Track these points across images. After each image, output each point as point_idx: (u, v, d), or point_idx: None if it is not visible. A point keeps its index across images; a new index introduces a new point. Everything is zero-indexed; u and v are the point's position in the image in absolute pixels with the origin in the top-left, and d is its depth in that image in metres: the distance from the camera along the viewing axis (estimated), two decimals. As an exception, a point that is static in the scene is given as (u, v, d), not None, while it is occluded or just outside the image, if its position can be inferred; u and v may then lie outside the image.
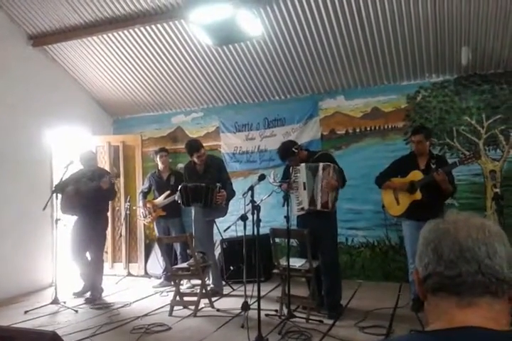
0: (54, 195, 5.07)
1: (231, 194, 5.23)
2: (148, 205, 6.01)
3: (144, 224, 6.56)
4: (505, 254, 0.87)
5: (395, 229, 5.32)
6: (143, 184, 6.44)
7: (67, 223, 5.69)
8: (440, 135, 5.50)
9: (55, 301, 4.88)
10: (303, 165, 4.34)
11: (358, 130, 6.00)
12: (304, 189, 4.30)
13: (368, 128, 5.94)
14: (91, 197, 5.18)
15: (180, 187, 5.13)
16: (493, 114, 5.33)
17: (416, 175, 4.20)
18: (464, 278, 0.85)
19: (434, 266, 0.89)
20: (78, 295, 5.33)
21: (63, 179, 5.20)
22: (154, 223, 6.14)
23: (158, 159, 6.14)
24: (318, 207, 4.24)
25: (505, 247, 0.88)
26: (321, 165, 4.26)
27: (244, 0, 4.77)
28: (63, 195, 5.23)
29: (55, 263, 5.15)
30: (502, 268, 0.86)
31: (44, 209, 4.95)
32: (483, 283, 0.85)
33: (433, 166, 4.10)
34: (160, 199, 5.98)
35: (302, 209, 4.34)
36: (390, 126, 5.83)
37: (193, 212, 5.13)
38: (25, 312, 4.69)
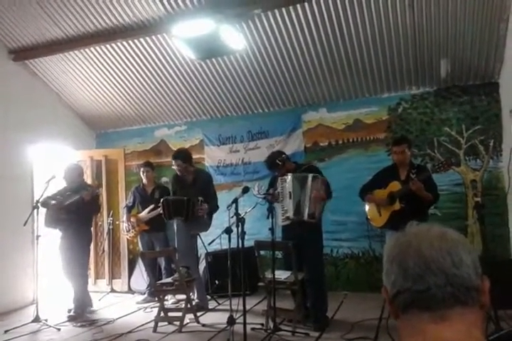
0: (35, 210, 4.99)
1: (214, 208, 5.21)
2: (131, 219, 5.94)
3: (128, 239, 6.48)
4: (470, 261, 0.86)
5: (379, 240, 5.33)
6: (126, 198, 6.39)
7: (50, 238, 5.60)
8: (421, 146, 5.58)
9: (37, 319, 4.75)
10: (290, 175, 4.37)
11: (340, 142, 6.06)
12: (290, 198, 4.31)
13: (351, 140, 6.00)
14: (74, 211, 5.10)
15: (162, 200, 5.11)
16: (472, 124, 5.43)
17: (394, 186, 4.24)
18: (433, 291, 0.83)
19: (401, 283, 0.86)
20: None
21: (49, 194, 5.15)
22: (138, 237, 6.06)
23: (141, 173, 6.10)
24: (305, 217, 4.25)
25: (469, 254, 0.87)
26: (310, 175, 4.30)
27: (227, 15, 4.82)
28: (48, 208, 5.16)
29: (37, 280, 5.04)
30: (469, 276, 0.84)
31: (25, 224, 4.86)
32: (453, 294, 0.83)
33: (413, 176, 4.14)
34: (144, 214, 5.92)
35: (287, 218, 4.34)
36: (371, 138, 5.90)
37: (175, 225, 5.09)
38: (6, 331, 4.56)
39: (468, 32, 4.81)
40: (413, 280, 0.85)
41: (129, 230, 5.95)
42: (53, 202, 5.17)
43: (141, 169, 6.11)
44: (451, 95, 5.57)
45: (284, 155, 4.54)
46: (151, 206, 5.85)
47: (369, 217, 4.51)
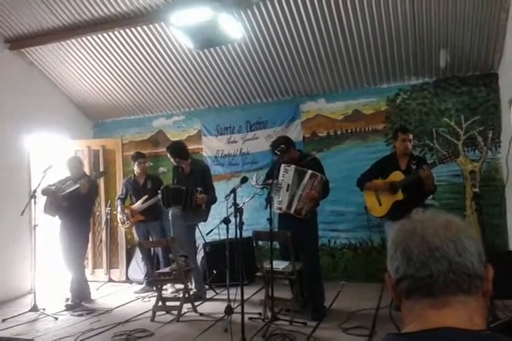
0: (32, 200, 4.98)
1: (212, 200, 5.21)
2: (126, 211, 5.93)
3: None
4: (474, 248, 0.86)
5: (378, 231, 5.35)
6: (122, 189, 6.39)
7: (48, 227, 5.60)
8: (420, 136, 5.56)
9: (34, 308, 4.78)
10: (293, 167, 4.31)
11: (339, 132, 6.04)
12: (287, 190, 4.29)
13: (349, 131, 5.98)
14: (74, 199, 5.12)
15: (162, 187, 5.14)
16: (471, 115, 5.41)
17: (397, 176, 4.25)
18: (435, 278, 0.84)
19: (404, 269, 0.87)
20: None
21: (49, 183, 5.21)
22: (134, 228, 6.06)
23: (136, 165, 6.02)
24: (292, 211, 4.25)
25: (473, 241, 0.87)
26: (309, 172, 4.23)
27: (225, 3, 4.77)
28: (48, 195, 5.18)
29: (34, 269, 5.04)
30: (472, 264, 0.85)
31: (22, 214, 4.86)
32: (455, 281, 0.84)
33: (413, 167, 4.15)
34: (138, 204, 5.89)
35: (280, 209, 4.34)
36: (370, 128, 5.88)
37: (169, 215, 5.08)
38: (3, 320, 4.58)
39: (468, 22, 4.78)
40: (416, 268, 0.86)
41: (124, 222, 5.94)
42: (53, 188, 5.19)
43: (137, 160, 5.99)
44: (450, 86, 5.55)
45: (290, 142, 4.49)
46: (145, 196, 5.83)
47: (368, 206, 4.51)
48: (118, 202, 6.10)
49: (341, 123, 6.03)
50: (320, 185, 4.25)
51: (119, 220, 6.04)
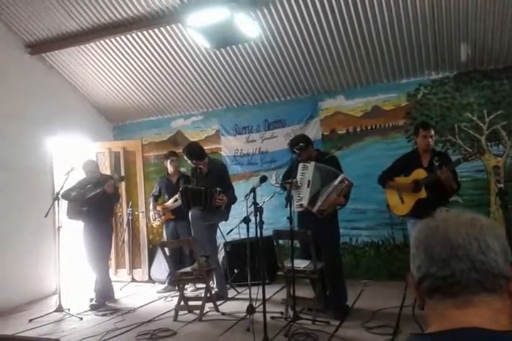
0: (56, 202, 5.06)
1: (232, 200, 5.21)
2: (158, 208, 6.03)
3: (147, 229, 6.55)
4: (499, 247, 0.84)
5: (400, 228, 5.28)
6: (144, 189, 6.49)
7: (71, 229, 5.68)
8: (442, 132, 5.47)
9: (59, 309, 4.85)
10: (313, 163, 4.27)
11: (358, 129, 5.98)
12: (308, 187, 4.24)
13: (369, 127, 5.92)
14: (95, 203, 5.21)
15: (181, 188, 5.16)
16: (494, 109, 5.30)
17: (419, 174, 4.17)
18: (457, 277, 0.82)
19: (426, 268, 0.86)
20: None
21: (69, 187, 5.28)
22: (163, 226, 6.14)
23: (168, 163, 6.14)
24: (315, 209, 4.20)
25: (498, 240, 0.85)
26: (341, 176, 4.17)
27: (241, 2, 4.76)
28: (69, 200, 5.27)
29: (59, 270, 5.13)
30: (497, 263, 0.82)
31: (46, 216, 4.94)
32: (478, 280, 0.82)
33: (436, 163, 4.06)
34: (169, 203, 6.00)
35: (301, 205, 4.27)
36: (390, 125, 5.80)
37: (189, 216, 5.09)
38: (30, 320, 4.67)
39: (489, 14, 4.67)
40: (438, 266, 0.84)
41: (155, 218, 6.04)
42: (74, 193, 5.26)
43: (170, 158, 6.12)
44: (472, 80, 5.43)
45: (308, 140, 4.46)
46: (176, 195, 5.88)
47: (390, 204, 4.44)
48: (151, 199, 6.22)
49: (361, 120, 5.96)
50: (348, 190, 4.22)
51: (150, 216, 6.14)
